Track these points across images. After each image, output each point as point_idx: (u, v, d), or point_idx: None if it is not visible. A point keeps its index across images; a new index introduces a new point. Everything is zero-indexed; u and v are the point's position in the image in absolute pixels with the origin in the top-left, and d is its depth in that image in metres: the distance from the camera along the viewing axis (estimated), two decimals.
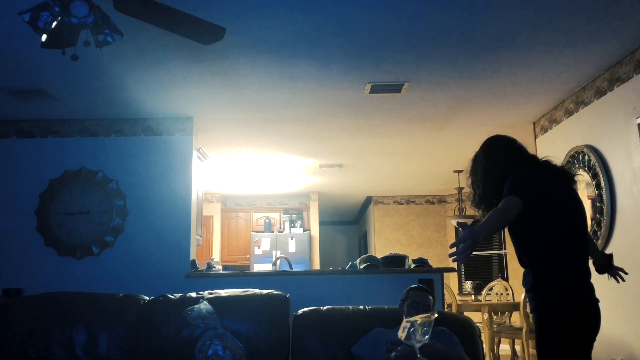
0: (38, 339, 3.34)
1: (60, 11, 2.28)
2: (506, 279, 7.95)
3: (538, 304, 2.23)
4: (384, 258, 4.54)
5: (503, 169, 2.39)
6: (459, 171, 7.27)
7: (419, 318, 2.68)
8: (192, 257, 4.63)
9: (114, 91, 4.19)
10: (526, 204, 2.19)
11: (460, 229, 2.10)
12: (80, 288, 3.99)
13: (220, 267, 5.89)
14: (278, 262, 5.93)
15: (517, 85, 4.22)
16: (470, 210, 8.50)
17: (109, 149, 4.78)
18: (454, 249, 2.06)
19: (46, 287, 4.01)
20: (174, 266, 4.53)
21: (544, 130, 4.94)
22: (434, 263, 8.39)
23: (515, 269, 8.12)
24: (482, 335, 4.48)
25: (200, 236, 5.20)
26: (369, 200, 9.54)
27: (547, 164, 2.43)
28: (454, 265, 8.66)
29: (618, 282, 2.50)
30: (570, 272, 2.21)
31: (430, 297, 3.13)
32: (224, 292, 3.56)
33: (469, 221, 7.58)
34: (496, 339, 6.24)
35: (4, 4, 2.85)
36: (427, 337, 2.64)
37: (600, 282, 3.85)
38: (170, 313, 3.40)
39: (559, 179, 2.34)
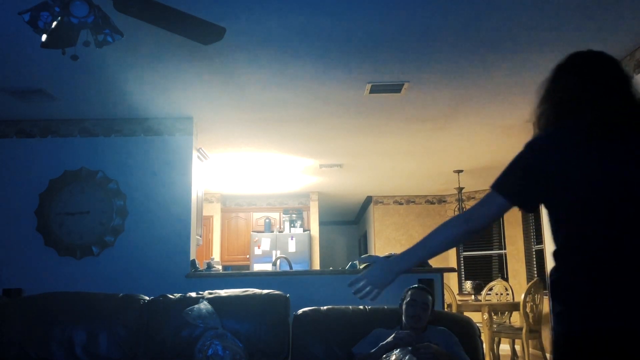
0: (38, 339, 3.34)
1: (60, 11, 2.28)
2: (506, 279, 7.95)
3: (555, 326, 1.48)
4: (384, 258, 4.53)
5: (562, 107, 1.58)
6: (459, 171, 7.27)
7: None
8: (192, 257, 4.63)
9: (114, 91, 4.19)
10: (534, 190, 1.51)
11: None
12: (80, 288, 3.99)
13: (220, 267, 5.90)
14: (278, 262, 5.93)
15: (517, 85, 4.22)
16: None
17: (109, 149, 4.78)
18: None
19: (46, 287, 4.01)
20: (174, 266, 4.53)
21: None
22: (434, 263, 8.35)
23: (515, 269, 8.12)
24: (482, 335, 4.48)
25: (200, 236, 5.19)
26: (369, 200, 9.54)
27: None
28: (454, 265, 8.67)
29: None
30: (611, 282, 1.38)
31: (429, 296, 3.14)
32: (224, 292, 3.56)
33: None
34: (496, 339, 6.25)
35: (4, 4, 2.85)
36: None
37: None
38: (170, 313, 3.40)
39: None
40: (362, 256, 1.76)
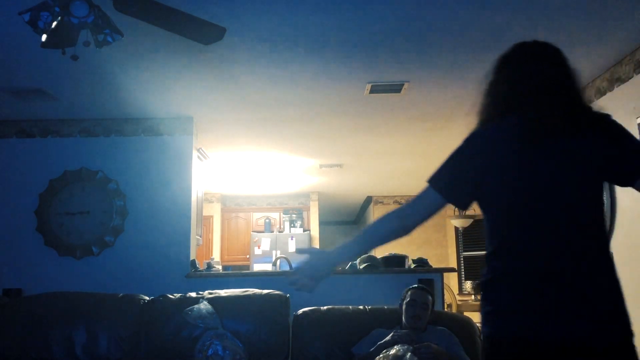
0: (38, 339, 3.34)
1: (60, 11, 2.29)
2: None
3: (483, 328, 1.45)
4: (384, 258, 4.54)
5: (498, 106, 1.53)
6: None
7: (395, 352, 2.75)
8: (192, 257, 4.63)
9: (114, 91, 4.19)
10: (468, 187, 1.47)
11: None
12: (80, 288, 3.99)
13: (220, 267, 5.90)
14: (278, 262, 5.93)
15: None
16: (471, 210, 8.47)
17: (109, 149, 4.78)
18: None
19: (46, 287, 4.01)
20: (174, 266, 4.53)
21: None
22: (434, 263, 8.34)
23: None
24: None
25: (200, 236, 5.19)
26: (369, 200, 9.53)
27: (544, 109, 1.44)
28: (454, 265, 8.66)
29: None
30: (523, 287, 1.37)
31: (429, 296, 3.14)
32: (224, 292, 3.57)
33: (468, 222, 7.57)
34: None
35: (4, 4, 2.85)
36: None
37: None
38: (170, 313, 3.40)
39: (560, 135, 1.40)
40: (298, 248, 1.74)
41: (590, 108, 1.47)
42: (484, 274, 1.45)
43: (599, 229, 1.40)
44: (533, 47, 1.59)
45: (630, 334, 1.33)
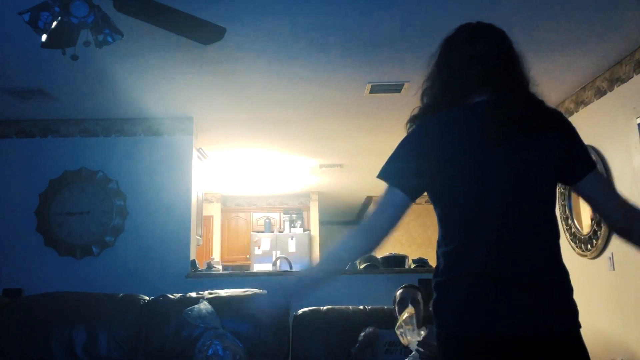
0: (38, 339, 3.34)
1: (60, 11, 2.29)
2: None
3: (436, 330, 1.44)
4: (384, 258, 4.55)
5: (449, 91, 1.49)
6: None
7: (400, 319, 2.73)
8: (192, 257, 4.63)
9: (114, 91, 4.19)
10: (421, 179, 1.44)
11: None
12: (80, 288, 3.99)
13: (220, 267, 5.90)
14: (278, 262, 5.94)
15: None
16: None
17: (109, 149, 4.78)
18: None
19: (46, 287, 4.01)
20: (174, 266, 4.53)
21: None
22: (434, 263, 8.34)
23: None
24: None
25: (200, 236, 5.19)
26: (369, 200, 9.53)
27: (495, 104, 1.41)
28: None
29: None
30: (479, 285, 1.35)
31: (419, 293, 3.15)
32: (224, 292, 3.57)
33: None
34: None
35: (4, 4, 2.85)
36: (418, 331, 2.67)
37: (599, 281, 3.86)
38: (170, 313, 3.40)
39: (507, 132, 1.36)
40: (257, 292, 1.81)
41: (543, 102, 1.45)
42: (439, 275, 1.44)
43: (552, 226, 1.40)
44: (479, 28, 1.56)
45: (578, 325, 1.36)
